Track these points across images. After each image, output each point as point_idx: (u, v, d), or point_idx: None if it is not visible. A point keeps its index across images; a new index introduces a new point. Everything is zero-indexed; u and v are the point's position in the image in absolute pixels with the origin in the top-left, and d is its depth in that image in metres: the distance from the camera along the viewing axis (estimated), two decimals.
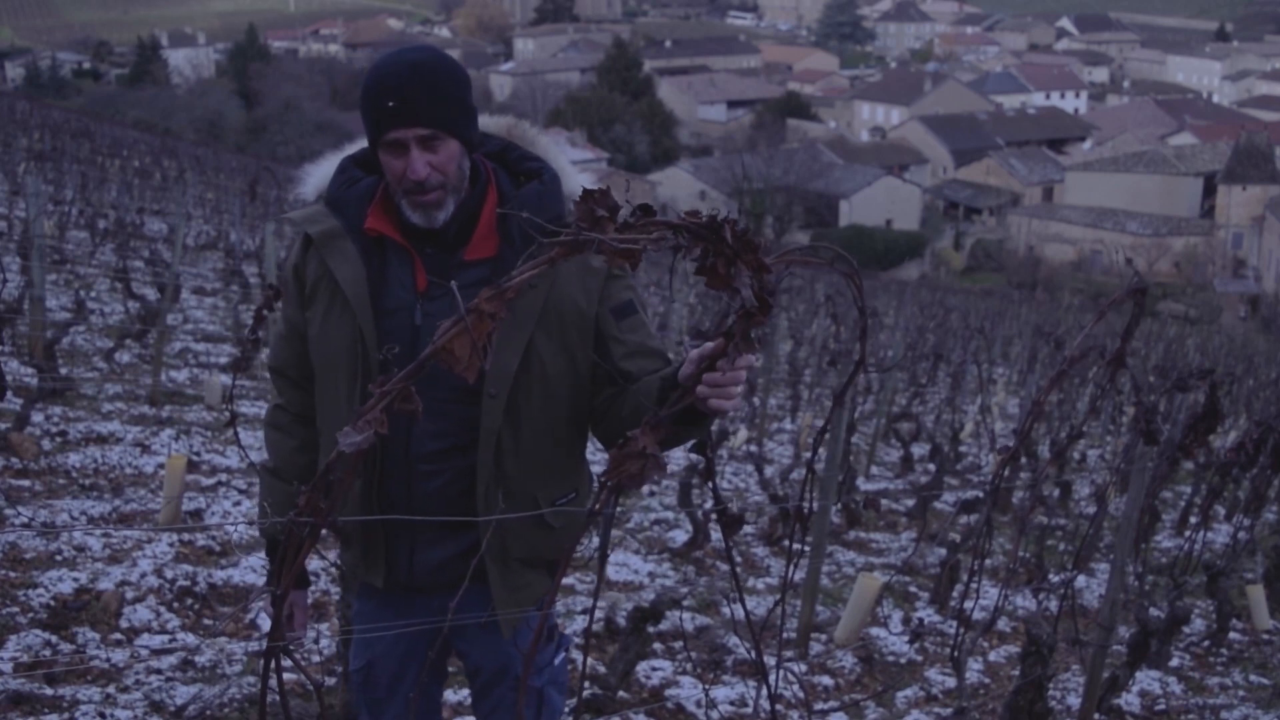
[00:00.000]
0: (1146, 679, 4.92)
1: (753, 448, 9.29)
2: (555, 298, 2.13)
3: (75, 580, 4.28)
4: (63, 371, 7.18)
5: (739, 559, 6.39)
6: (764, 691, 1.56)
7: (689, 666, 4.49)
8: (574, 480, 2.30)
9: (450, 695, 3.76)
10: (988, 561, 6.67)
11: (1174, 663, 5.27)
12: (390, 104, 2.02)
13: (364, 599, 2.38)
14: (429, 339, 1.36)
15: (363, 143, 2.25)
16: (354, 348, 2.13)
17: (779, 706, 4.24)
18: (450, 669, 3.07)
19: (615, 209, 1.25)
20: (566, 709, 3.66)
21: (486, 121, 2.26)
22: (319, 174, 2.28)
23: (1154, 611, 4.78)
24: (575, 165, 2.33)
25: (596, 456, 3.69)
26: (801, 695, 4.36)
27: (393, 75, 2.04)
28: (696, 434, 1.93)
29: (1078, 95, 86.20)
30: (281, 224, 9.72)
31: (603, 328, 2.18)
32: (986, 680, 4.94)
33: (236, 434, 3.63)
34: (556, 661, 2.44)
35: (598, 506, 1.36)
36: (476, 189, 2.15)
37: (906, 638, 5.23)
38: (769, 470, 8.22)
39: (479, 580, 2.18)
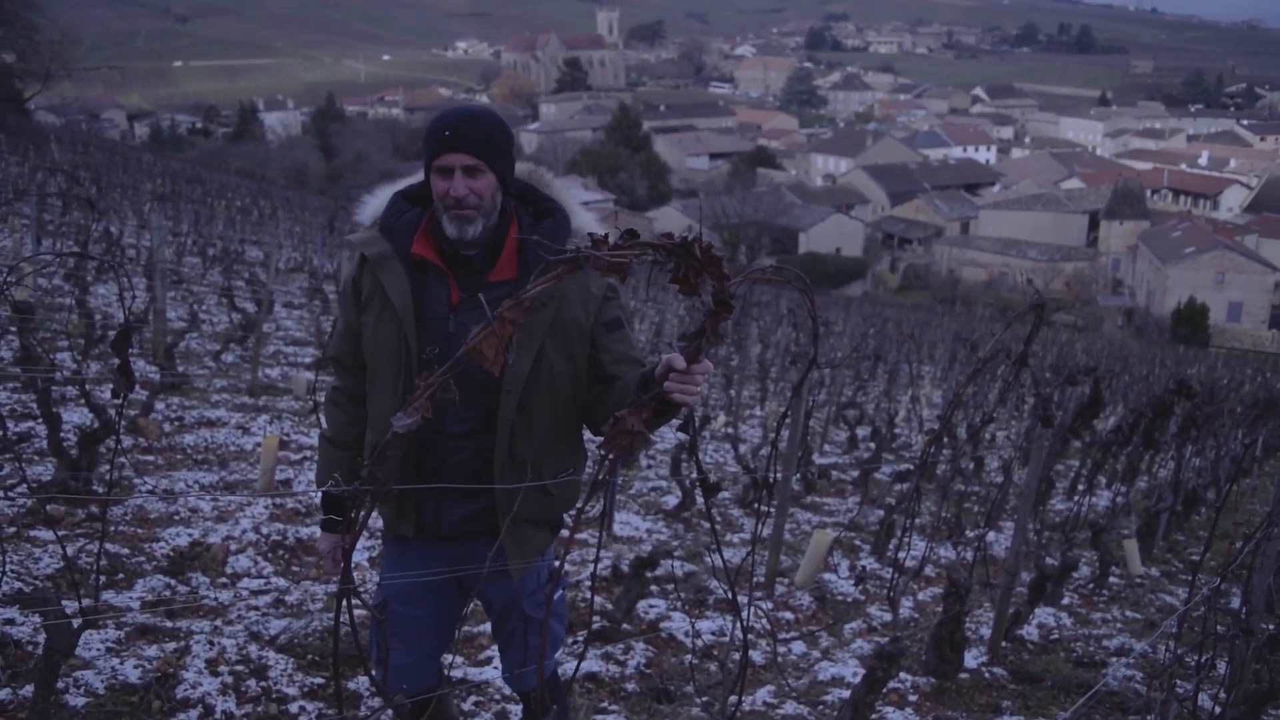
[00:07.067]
0: (1043, 614, 4.92)
1: (729, 430, 9.28)
2: (562, 314, 2.13)
3: (190, 535, 4.29)
4: (180, 369, 7.18)
5: (718, 518, 6.38)
6: (738, 624, 1.56)
7: (679, 604, 4.48)
8: (572, 458, 2.30)
9: (485, 627, 3.75)
10: (917, 520, 6.66)
11: (1065, 601, 5.26)
12: (446, 134, 2.04)
13: (392, 545, 2.37)
14: (460, 343, 1.35)
15: (410, 181, 2.25)
16: (400, 349, 2.13)
17: (750, 636, 4.24)
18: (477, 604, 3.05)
19: (607, 235, 1.25)
20: (578, 639, 3.66)
21: None
22: (374, 204, 2.28)
23: (1049, 560, 4.76)
24: (586, 205, 2.32)
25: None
26: (768, 627, 4.36)
27: (453, 115, 2.08)
28: (666, 420, 1.93)
29: (989, 149, 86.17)
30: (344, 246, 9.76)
31: (596, 338, 2.18)
32: (916, 615, 4.93)
33: (319, 419, 3.62)
34: (556, 597, 2.44)
35: (602, 476, 1.35)
36: (503, 222, 2.15)
37: (852, 581, 5.22)
38: (743, 448, 8.21)
39: (493, 534, 2.20)
